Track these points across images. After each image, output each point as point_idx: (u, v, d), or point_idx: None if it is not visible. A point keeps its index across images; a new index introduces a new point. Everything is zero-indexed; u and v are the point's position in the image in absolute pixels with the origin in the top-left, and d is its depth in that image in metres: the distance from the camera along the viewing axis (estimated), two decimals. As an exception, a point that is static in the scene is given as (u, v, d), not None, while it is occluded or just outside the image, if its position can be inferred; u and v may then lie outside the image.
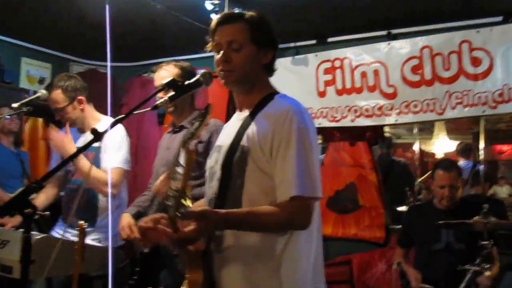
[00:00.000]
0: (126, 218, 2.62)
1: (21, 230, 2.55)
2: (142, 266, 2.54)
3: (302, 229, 1.61)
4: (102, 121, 2.93)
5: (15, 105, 2.72)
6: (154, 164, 2.77)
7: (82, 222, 2.17)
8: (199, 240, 1.58)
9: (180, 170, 1.50)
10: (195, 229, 1.48)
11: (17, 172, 4.05)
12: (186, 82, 1.70)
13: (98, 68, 5.20)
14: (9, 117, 3.81)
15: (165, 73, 2.63)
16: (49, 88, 2.87)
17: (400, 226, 3.71)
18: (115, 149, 2.82)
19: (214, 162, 1.76)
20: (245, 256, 1.63)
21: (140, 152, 4.78)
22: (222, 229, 1.62)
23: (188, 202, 1.48)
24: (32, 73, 4.75)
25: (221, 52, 1.70)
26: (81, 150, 1.60)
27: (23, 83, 4.66)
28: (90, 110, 2.95)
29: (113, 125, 1.58)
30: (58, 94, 2.82)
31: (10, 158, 4.03)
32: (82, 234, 2.14)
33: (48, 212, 2.54)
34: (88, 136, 2.87)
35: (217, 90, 4.28)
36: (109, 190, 2.70)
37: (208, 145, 2.47)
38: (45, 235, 2.37)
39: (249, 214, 1.57)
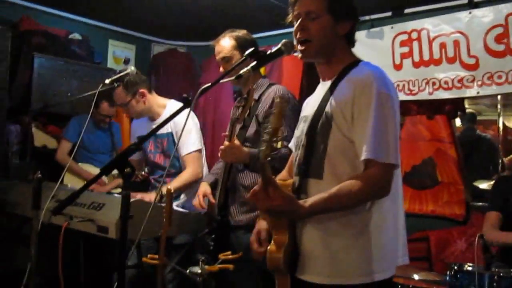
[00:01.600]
0: (203, 187, 2.77)
1: (114, 194, 2.79)
2: (217, 233, 2.64)
3: (382, 197, 1.63)
4: (168, 106, 3.06)
5: (107, 81, 2.94)
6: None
7: (169, 187, 2.32)
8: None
9: (271, 118, 1.52)
10: (281, 211, 1.54)
11: (105, 147, 4.24)
12: (268, 52, 1.79)
13: (178, 48, 5.37)
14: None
15: (220, 48, 2.71)
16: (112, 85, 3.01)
17: (481, 203, 3.59)
18: (186, 134, 2.94)
19: (300, 132, 1.82)
20: (326, 222, 1.67)
21: (217, 129, 4.90)
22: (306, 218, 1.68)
23: (279, 145, 1.52)
24: (117, 54, 5.02)
25: (299, 21, 1.76)
26: (168, 119, 1.72)
27: (110, 64, 4.93)
28: (153, 99, 3.08)
29: (201, 93, 1.68)
30: (120, 92, 3.00)
31: (98, 133, 4.22)
32: (170, 198, 2.26)
33: (146, 171, 2.73)
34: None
35: (291, 65, 4.34)
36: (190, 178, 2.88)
37: (268, 111, 2.52)
38: (137, 198, 2.51)
39: (330, 200, 1.59)
